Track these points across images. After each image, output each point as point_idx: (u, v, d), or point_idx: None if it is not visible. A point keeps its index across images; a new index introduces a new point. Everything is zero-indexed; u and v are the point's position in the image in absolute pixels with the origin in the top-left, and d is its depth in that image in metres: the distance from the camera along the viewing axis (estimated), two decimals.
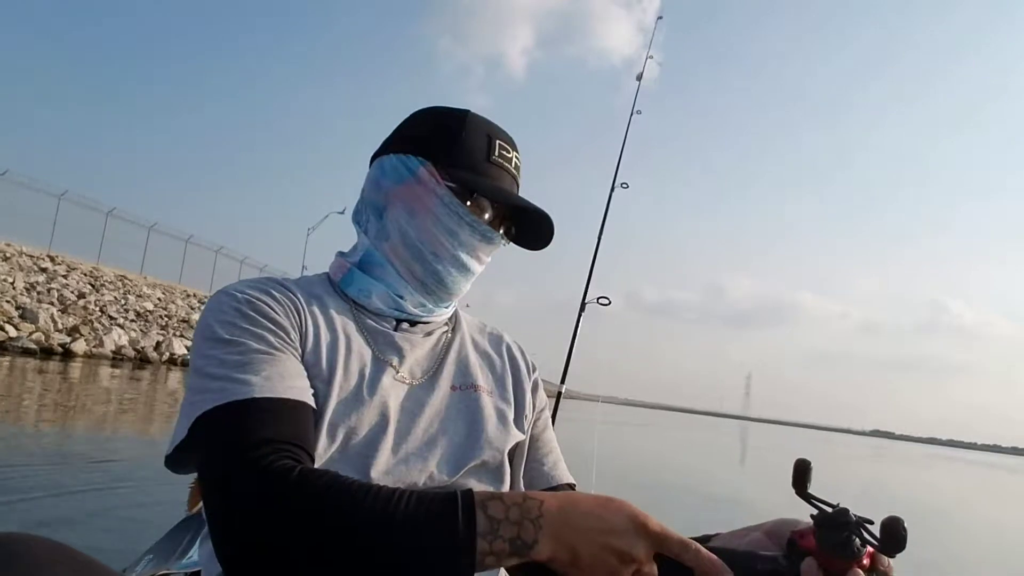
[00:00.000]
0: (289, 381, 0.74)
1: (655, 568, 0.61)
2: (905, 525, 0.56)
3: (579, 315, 3.14)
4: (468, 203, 0.90)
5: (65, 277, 20.50)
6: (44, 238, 23.60)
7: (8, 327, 14.54)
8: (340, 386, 0.81)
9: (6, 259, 18.95)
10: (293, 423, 0.71)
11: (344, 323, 0.87)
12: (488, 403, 0.92)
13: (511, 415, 0.94)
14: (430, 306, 0.93)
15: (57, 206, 24.72)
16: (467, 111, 0.93)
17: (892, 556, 0.60)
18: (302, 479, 0.63)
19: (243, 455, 0.65)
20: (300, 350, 0.80)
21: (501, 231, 0.94)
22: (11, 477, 4.67)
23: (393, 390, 0.85)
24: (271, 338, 0.77)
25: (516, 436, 0.93)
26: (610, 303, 3.08)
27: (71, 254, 23.62)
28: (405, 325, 0.92)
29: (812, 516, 0.62)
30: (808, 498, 0.64)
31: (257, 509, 0.62)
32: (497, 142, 0.92)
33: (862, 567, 0.59)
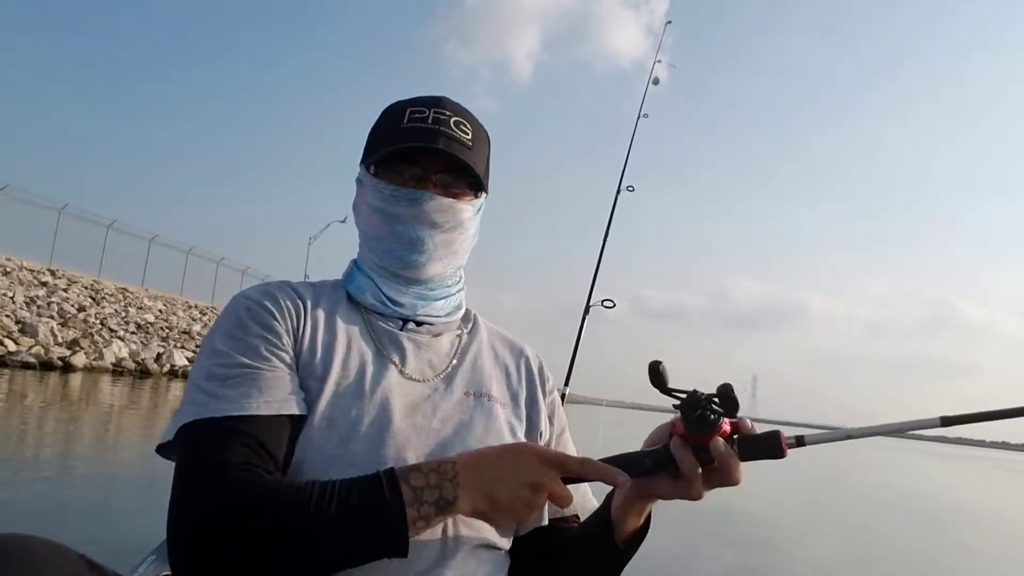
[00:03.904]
0: (266, 396, 0.78)
1: (562, 486, 0.73)
2: (734, 388, 0.67)
3: (583, 318, 3.11)
4: (379, 176, 0.91)
5: (66, 291, 20.50)
6: (45, 252, 23.64)
7: (8, 341, 14.51)
8: (337, 382, 0.83)
9: (6, 273, 18.94)
10: (259, 439, 0.75)
11: (349, 323, 0.90)
12: (502, 415, 0.91)
13: (522, 432, 0.93)
14: (410, 292, 0.93)
15: (57, 220, 24.78)
16: (394, 102, 0.95)
17: (733, 416, 0.70)
18: (247, 489, 0.70)
19: (205, 474, 0.71)
20: (293, 352, 0.84)
21: (463, 188, 0.93)
22: (11, 477, 4.67)
23: (398, 387, 0.86)
24: (261, 348, 0.82)
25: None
26: (614, 306, 3.10)
27: (72, 268, 23.64)
28: (412, 325, 0.93)
29: (674, 406, 0.71)
30: (668, 392, 0.71)
31: (205, 522, 0.68)
32: (408, 109, 0.92)
33: (723, 435, 0.69)
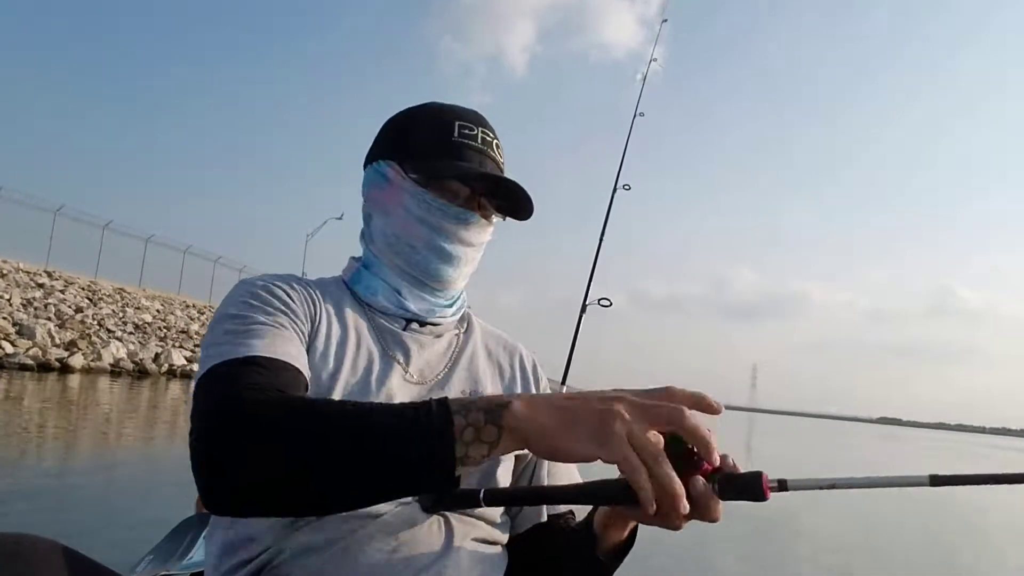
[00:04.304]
0: (289, 349, 0.76)
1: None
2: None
3: (580, 316, 3.13)
4: (432, 189, 0.90)
5: (63, 292, 20.47)
6: (41, 254, 23.61)
7: (5, 343, 14.48)
8: (346, 380, 0.83)
9: (2, 276, 18.89)
10: (284, 379, 0.72)
11: (356, 321, 0.89)
12: None
13: None
14: (431, 300, 0.93)
15: (53, 221, 24.76)
16: (427, 103, 0.95)
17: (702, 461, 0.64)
18: (274, 400, 0.65)
19: (224, 391, 0.67)
20: (308, 339, 0.83)
21: (486, 207, 0.93)
22: (11, 478, 4.68)
23: (401, 390, 0.86)
24: (280, 317, 0.80)
25: (520, 454, 0.91)
26: (611, 304, 3.13)
27: (69, 269, 23.60)
28: (415, 325, 0.93)
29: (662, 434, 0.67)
30: None
31: (236, 434, 0.61)
32: (457, 123, 0.92)
33: (705, 472, 0.64)
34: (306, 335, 0.83)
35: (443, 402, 0.61)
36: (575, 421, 0.60)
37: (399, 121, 0.96)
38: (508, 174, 0.94)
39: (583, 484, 0.76)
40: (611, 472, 0.74)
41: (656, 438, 0.61)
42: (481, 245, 0.95)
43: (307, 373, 0.78)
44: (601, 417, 0.59)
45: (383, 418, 0.60)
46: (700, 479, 0.64)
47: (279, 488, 0.60)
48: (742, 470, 0.65)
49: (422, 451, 0.59)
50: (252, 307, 0.80)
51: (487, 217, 0.94)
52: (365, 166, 0.97)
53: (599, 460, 0.60)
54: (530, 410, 0.61)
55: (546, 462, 0.95)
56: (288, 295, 0.84)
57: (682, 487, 0.59)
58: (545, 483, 0.94)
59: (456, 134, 0.91)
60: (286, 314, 0.82)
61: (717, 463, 0.64)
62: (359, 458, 0.59)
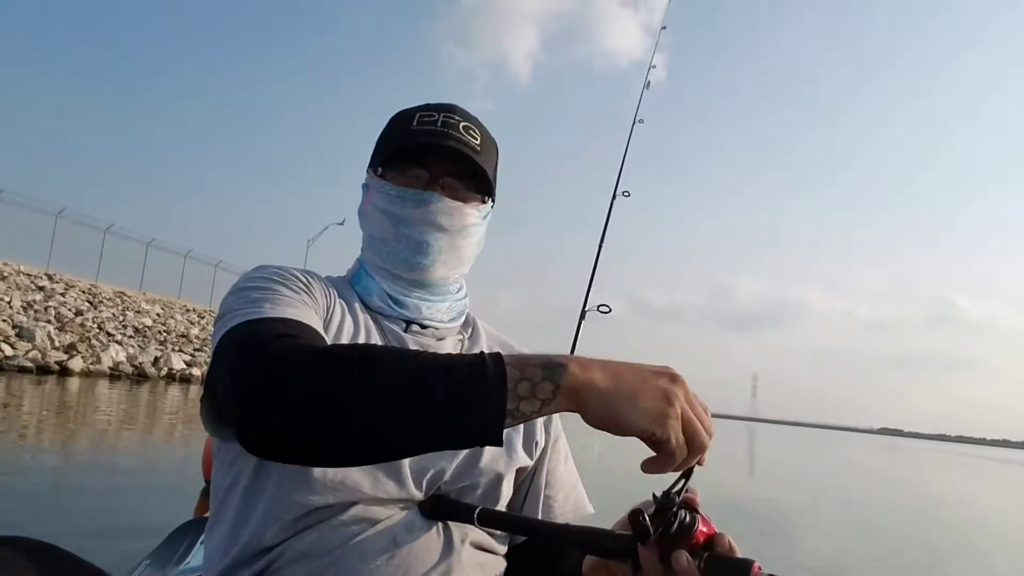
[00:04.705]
0: (315, 322, 0.77)
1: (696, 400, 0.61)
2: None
3: (579, 323, 3.12)
4: (386, 178, 0.91)
5: (63, 295, 20.46)
6: (42, 257, 23.60)
7: (4, 346, 14.47)
8: None
9: (3, 278, 18.89)
10: (314, 337, 0.72)
11: (366, 321, 0.90)
12: None
13: (518, 438, 0.90)
14: (416, 295, 0.92)
15: (55, 225, 24.75)
16: (403, 109, 0.96)
17: (690, 533, 0.62)
18: (323, 347, 0.65)
19: (264, 340, 0.66)
20: (324, 326, 0.82)
21: (464, 190, 0.91)
22: (11, 478, 4.66)
23: None
24: (303, 295, 0.81)
25: (521, 461, 0.89)
26: (611, 311, 3.10)
27: (69, 272, 23.59)
28: (415, 328, 0.92)
29: (653, 494, 0.64)
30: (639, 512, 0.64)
31: (278, 372, 0.59)
32: (418, 114, 0.93)
33: (694, 545, 0.62)
34: (323, 321, 0.83)
35: (496, 355, 0.60)
36: (634, 393, 0.58)
37: (381, 132, 0.98)
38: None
39: (573, 527, 0.74)
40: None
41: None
42: (463, 229, 0.91)
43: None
44: (662, 394, 0.58)
45: (436, 363, 0.59)
46: (684, 553, 0.61)
47: (336, 434, 0.58)
48: (737, 551, 0.62)
49: (475, 392, 0.57)
50: (275, 282, 0.80)
51: (460, 199, 0.90)
52: None
53: (638, 436, 0.59)
54: (587, 373, 0.59)
55: (546, 469, 0.94)
56: (308, 281, 0.85)
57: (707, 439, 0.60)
58: (542, 490, 0.94)
59: (415, 123, 0.91)
60: (308, 294, 0.83)
61: (708, 534, 0.63)
62: (418, 404, 0.57)
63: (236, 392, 0.60)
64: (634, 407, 0.58)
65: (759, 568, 0.59)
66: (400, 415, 0.57)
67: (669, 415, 0.58)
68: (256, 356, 0.63)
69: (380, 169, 0.93)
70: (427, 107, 0.94)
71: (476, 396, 0.57)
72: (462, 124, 0.92)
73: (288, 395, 0.58)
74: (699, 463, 0.62)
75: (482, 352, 0.60)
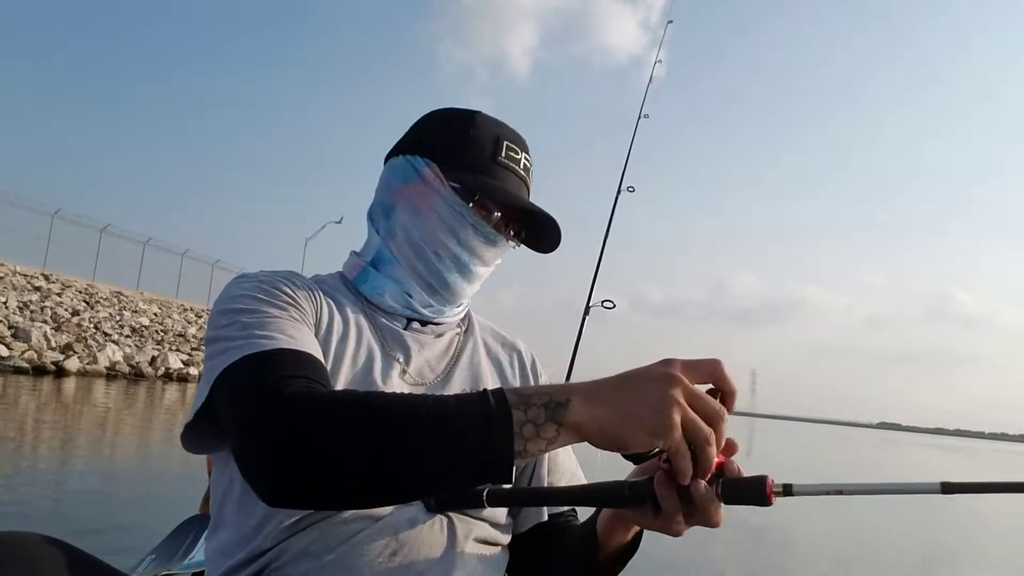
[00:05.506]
0: (309, 342, 0.76)
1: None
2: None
3: (583, 319, 3.10)
4: (472, 204, 0.89)
5: (59, 295, 20.41)
6: (38, 257, 23.56)
7: (0, 347, 14.41)
8: (346, 376, 0.82)
9: None
10: (316, 371, 0.71)
11: (357, 318, 0.88)
12: None
13: None
14: (437, 307, 0.93)
15: (51, 224, 24.69)
16: (476, 112, 0.94)
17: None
18: (330, 395, 0.66)
19: (274, 386, 0.65)
20: (314, 332, 0.82)
21: (511, 233, 0.94)
22: (10, 478, 4.66)
23: (399, 389, 0.85)
24: (291, 310, 0.79)
25: None
26: (615, 306, 3.08)
27: (66, 272, 23.55)
28: (416, 324, 0.92)
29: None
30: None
31: (293, 427, 0.60)
32: (505, 143, 0.92)
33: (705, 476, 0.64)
34: (312, 331, 0.82)
35: (499, 394, 0.61)
36: (634, 412, 0.59)
37: (444, 123, 0.93)
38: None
39: (586, 486, 0.75)
40: (613, 474, 0.71)
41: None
42: (494, 266, 0.96)
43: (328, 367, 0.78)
44: (659, 406, 0.59)
45: (444, 419, 0.60)
46: (701, 482, 0.63)
47: (350, 481, 0.60)
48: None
49: (482, 444, 0.59)
50: (261, 301, 0.79)
51: (508, 241, 0.94)
52: (394, 155, 0.94)
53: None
54: (591, 406, 0.60)
55: (547, 458, 0.95)
56: (292, 290, 0.83)
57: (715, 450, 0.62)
58: (545, 479, 0.94)
59: (503, 155, 0.91)
60: (296, 308, 0.81)
61: (723, 445, 0.64)
62: (431, 452, 0.59)
63: (255, 453, 0.62)
64: (634, 427, 0.59)
65: (772, 481, 0.63)
66: (414, 471, 0.60)
67: (668, 428, 0.58)
68: (267, 412, 0.63)
69: (454, 180, 0.89)
70: (512, 137, 0.93)
71: (486, 450, 0.59)
72: (532, 169, 0.96)
73: (308, 455, 0.60)
74: (727, 453, 0.65)
75: (485, 393, 0.61)
